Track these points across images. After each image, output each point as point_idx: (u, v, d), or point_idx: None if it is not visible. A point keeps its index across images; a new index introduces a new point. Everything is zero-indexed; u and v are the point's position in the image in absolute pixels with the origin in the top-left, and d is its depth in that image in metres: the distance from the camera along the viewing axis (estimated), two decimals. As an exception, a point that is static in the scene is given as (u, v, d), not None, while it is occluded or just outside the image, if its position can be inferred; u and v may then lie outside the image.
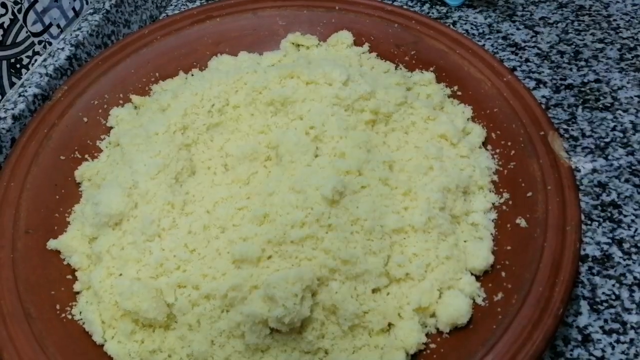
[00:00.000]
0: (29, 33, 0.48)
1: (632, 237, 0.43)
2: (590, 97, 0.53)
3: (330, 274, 0.35)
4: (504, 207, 0.41)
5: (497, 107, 0.45)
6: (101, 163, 0.44)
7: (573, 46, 0.58)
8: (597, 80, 0.55)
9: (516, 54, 0.57)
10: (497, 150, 0.44)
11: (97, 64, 0.48)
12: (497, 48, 0.58)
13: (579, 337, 0.38)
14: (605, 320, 0.39)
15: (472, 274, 0.38)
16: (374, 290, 0.36)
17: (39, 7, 0.48)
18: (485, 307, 0.36)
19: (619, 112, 0.52)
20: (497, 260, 0.38)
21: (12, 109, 0.46)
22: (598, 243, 0.43)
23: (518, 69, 0.56)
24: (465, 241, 0.39)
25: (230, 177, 0.41)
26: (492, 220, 0.41)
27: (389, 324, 0.36)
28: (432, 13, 0.62)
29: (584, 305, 0.40)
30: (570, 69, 0.56)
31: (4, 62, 0.46)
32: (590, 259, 0.42)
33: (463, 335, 0.36)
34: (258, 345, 0.34)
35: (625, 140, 0.50)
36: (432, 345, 0.36)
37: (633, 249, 0.43)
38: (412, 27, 0.51)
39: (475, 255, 0.38)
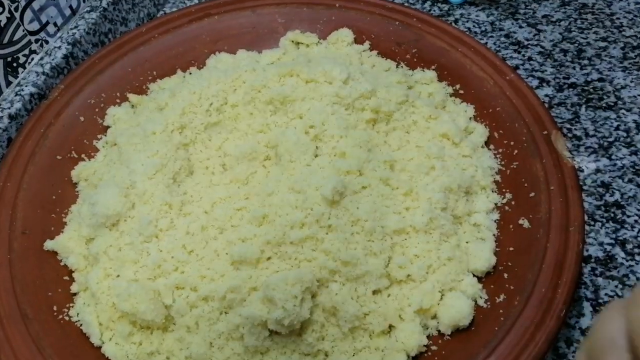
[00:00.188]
0: (25, 31, 0.48)
1: (636, 237, 0.43)
2: (593, 96, 0.53)
3: (331, 276, 0.35)
4: (507, 208, 0.41)
5: (500, 106, 0.45)
6: (98, 163, 0.44)
7: (576, 44, 0.57)
8: (600, 79, 0.54)
9: (519, 52, 0.57)
10: (500, 150, 0.44)
11: (94, 62, 0.48)
12: (499, 46, 0.57)
13: (582, 339, 0.38)
14: (609, 322, 0.39)
15: (474, 275, 0.38)
16: (374, 292, 0.36)
17: (35, 5, 0.48)
18: (487, 308, 0.36)
19: (623, 111, 0.51)
20: (499, 261, 0.38)
21: (9, 108, 0.45)
22: (601, 244, 0.43)
23: (521, 67, 0.55)
24: (467, 242, 0.39)
25: (229, 177, 0.41)
26: (495, 221, 0.40)
27: (390, 326, 0.35)
28: (434, 11, 0.61)
29: (587, 307, 0.39)
30: (574, 68, 0.55)
31: (1, 61, 0.46)
32: (593, 260, 0.42)
33: (465, 337, 0.35)
34: (257, 347, 0.34)
35: (628, 139, 0.49)
36: (434, 347, 0.35)
37: (636, 250, 0.42)
38: (413, 24, 0.50)
39: (477, 257, 0.37)
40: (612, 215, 0.44)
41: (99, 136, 0.46)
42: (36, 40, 0.49)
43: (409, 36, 0.50)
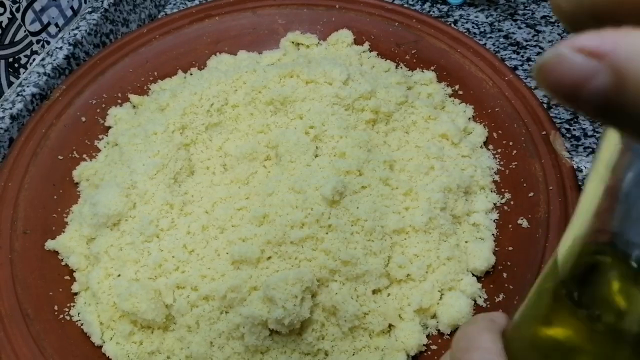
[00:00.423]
0: (27, 32, 0.48)
1: (635, 237, 0.43)
2: (592, 97, 0.53)
3: (330, 275, 0.35)
4: (506, 208, 0.41)
5: (499, 106, 0.45)
6: (99, 163, 0.44)
7: (575, 45, 0.58)
8: (599, 80, 0.54)
9: (518, 53, 0.57)
10: (499, 150, 0.44)
11: (95, 63, 0.48)
12: (498, 47, 0.58)
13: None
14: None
15: (473, 274, 0.38)
16: (374, 291, 0.36)
17: (37, 6, 0.48)
18: (487, 308, 0.36)
19: (621, 111, 0.52)
20: (498, 260, 0.38)
21: (10, 108, 0.45)
22: (600, 243, 0.43)
23: (519, 68, 0.56)
24: (466, 242, 0.39)
25: (229, 177, 0.41)
26: (494, 221, 0.40)
27: (390, 325, 0.35)
28: (433, 12, 0.61)
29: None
30: (572, 68, 0.55)
31: (2, 62, 0.46)
32: (592, 260, 0.42)
33: (464, 337, 0.35)
34: (257, 346, 0.34)
35: (627, 139, 0.49)
36: (433, 347, 0.35)
37: (635, 250, 0.42)
38: (412, 25, 0.50)
39: (477, 256, 0.37)
40: (611, 215, 0.45)
41: (100, 136, 0.46)
42: (37, 41, 0.49)
43: (408, 37, 0.50)
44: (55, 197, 0.42)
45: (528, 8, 0.62)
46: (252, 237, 0.36)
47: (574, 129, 0.50)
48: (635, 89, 0.09)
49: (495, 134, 0.45)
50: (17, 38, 0.47)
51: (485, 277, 0.38)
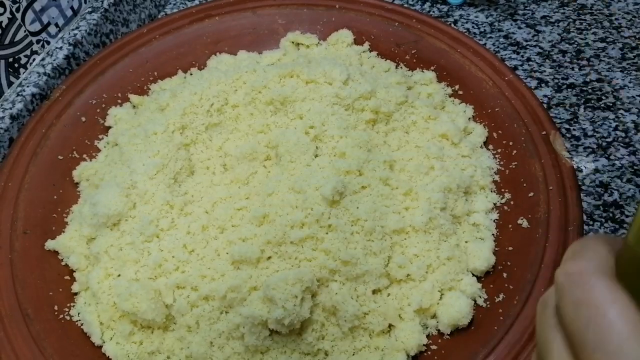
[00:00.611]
0: (27, 32, 0.48)
1: (635, 237, 0.43)
2: (592, 97, 0.53)
3: (330, 275, 0.35)
4: (506, 208, 0.41)
5: (499, 106, 0.45)
6: (99, 163, 0.44)
7: (575, 45, 0.58)
8: (599, 80, 0.54)
9: (517, 53, 0.57)
10: (499, 150, 0.44)
11: (95, 63, 0.48)
12: (498, 47, 0.58)
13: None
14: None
15: (473, 274, 0.38)
16: (374, 291, 0.36)
17: (37, 6, 0.48)
18: (487, 308, 0.36)
19: (621, 111, 0.52)
20: (498, 260, 0.38)
21: (10, 108, 0.45)
22: (600, 243, 0.43)
23: (519, 68, 0.56)
24: (466, 242, 0.39)
25: (230, 177, 0.41)
26: (494, 221, 0.40)
27: (390, 325, 0.35)
28: (433, 12, 0.61)
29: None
30: (572, 69, 0.55)
31: (2, 62, 0.46)
32: (592, 260, 0.42)
33: (464, 337, 0.35)
34: (257, 346, 0.34)
35: (627, 140, 0.49)
36: (433, 347, 0.35)
37: (635, 250, 0.42)
38: (412, 25, 0.50)
39: (477, 256, 0.37)
40: (611, 215, 0.45)
41: (100, 136, 0.46)
42: (37, 41, 0.49)
43: (408, 37, 0.50)
44: (55, 197, 0.42)
45: (528, 8, 0.62)
46: (252, 237, 0.36)
47: (574, 129, 0.50)
48: None
49: (495, 134, 0.45)
50: (17, 38, 0.47)
51: (485, 277, 0.38)
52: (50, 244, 0.39)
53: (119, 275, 0.36)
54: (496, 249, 0.39)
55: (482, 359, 0.32)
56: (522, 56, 0.57)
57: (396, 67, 0.50)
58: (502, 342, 0.33)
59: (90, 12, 0.54)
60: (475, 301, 0.36)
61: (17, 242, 0.38)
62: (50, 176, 0.42)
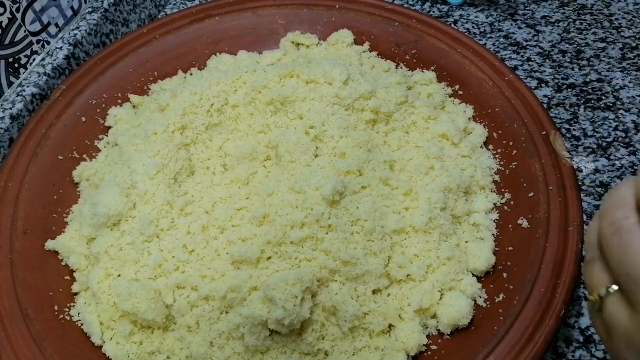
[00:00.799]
0: (27, 32, 0.48)
1: (635, 237, 0.43)
2: (592, 97, 0.53)
3: (330, 275, 0.35)
4: (506, 207, 0.41)
5: (499, 106, 0.45)
6: (99, 163, 0.44)
7: (575, 45, 0.58)
8: (599, 80, 0.54)
9: (517, 53, 0.57)
10: (499, 150, 0.44)
11: (95, 63, 0.48)
12: (498, 47, 0.58)
13: (581, 338, 0.38)
14: (608, 322, 0.39)
15: (473, 274, 0.38)
16: (374, 291, 0.36)
17: (37, 6, 0.48)
18: (487, 308, 0.36)
19: (621, 111, 0.52)
20: (498, 260, 0.38)
21: (10, 108, 0.45)
22: (600, 243, 0.43)
23: (519, 68, 0.56)
24: (466, 242, 0.39)
25: (230, 177, 0.41)
26: (494, 221, 0.40)
27: (390, 325, 0.35)
28: (433, 12, 0.61)
29: (586, 306, 0.39)
30: (572, 69, 0.55)
31: (2, 62, 0.46)
32: (592, 260, 0.42)
33: (464, 337, 0.35)
34: (257, 346, 0.34)
35: (627, 140, 0.49)
36: (433, 347, 0.35)
37: (635, 250, 0.42)
38: (412, 25, 0.50)
39: (477, 256, 0.37)
40: (611, 215, 0.45)
41: (100, 136, 0.46)
42: (37, 41, 0.49)
43: (408, 37, 0.50)
44: (55, 197, 0.42)
45: (528, 8, 0.62)
46: (252, 237, 0.36)
47: (574, 129, 0.50)
48: None
49: (495, 134, 0.45)
50: (17, 38, 0.47)
51: (485, 277, 0.38)
52: (50, 244, 0.39)
53: (119, 275, 0.36)
54: (496, 249, 0.39)
55: (482, 359, 0.32)
56: (522, 56, 0.57)
57: (396, 67, 0.50)
58: (502, 342, 0.33)
59: (90, 12, 0.54)
60: (475, 301, 0.36)
61: (17, 242, 0.38)
62: (50, 176, 0.42)
